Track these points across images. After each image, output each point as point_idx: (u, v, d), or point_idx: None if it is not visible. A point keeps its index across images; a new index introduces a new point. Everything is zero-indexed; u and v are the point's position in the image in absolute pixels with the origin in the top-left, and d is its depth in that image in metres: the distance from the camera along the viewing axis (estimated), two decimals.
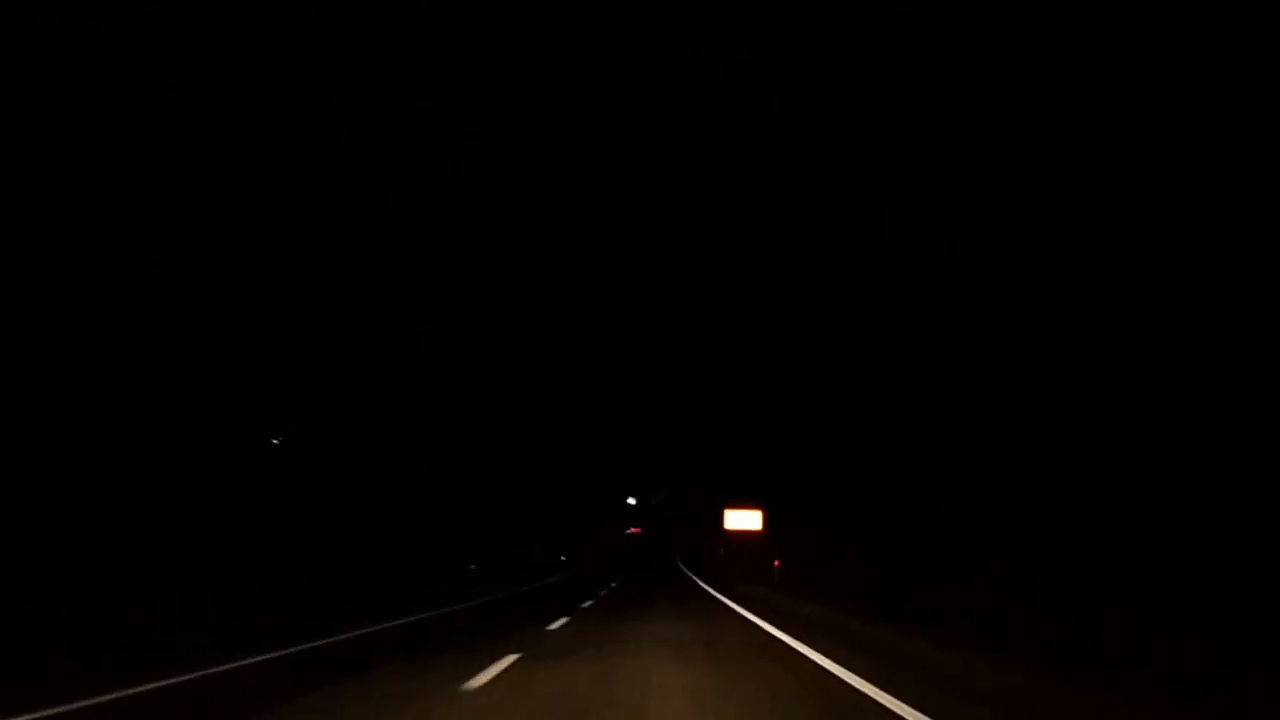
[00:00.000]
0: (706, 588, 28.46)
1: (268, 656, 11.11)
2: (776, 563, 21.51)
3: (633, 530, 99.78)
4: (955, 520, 16.82)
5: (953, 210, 18.32)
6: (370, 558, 29.91)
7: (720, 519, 40.62)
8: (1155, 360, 12.53)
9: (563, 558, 61.30)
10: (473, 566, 34.70)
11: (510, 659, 10.64)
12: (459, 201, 34.11)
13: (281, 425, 27.63)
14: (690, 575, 47.51)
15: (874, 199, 22.38)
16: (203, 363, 23.02)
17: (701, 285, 40.75)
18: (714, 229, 35.54)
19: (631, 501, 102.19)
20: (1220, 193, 11.70)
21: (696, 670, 9.90)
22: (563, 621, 16.79)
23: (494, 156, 33.53)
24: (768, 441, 38.61)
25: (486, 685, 8.73)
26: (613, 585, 34.32)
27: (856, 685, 8.69)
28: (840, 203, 24.59)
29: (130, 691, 8.30)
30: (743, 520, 38.92)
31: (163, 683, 8.85)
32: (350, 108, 26.46)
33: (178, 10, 20.35)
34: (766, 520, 38.32)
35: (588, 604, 22.86)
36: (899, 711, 7.37)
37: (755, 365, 38.28)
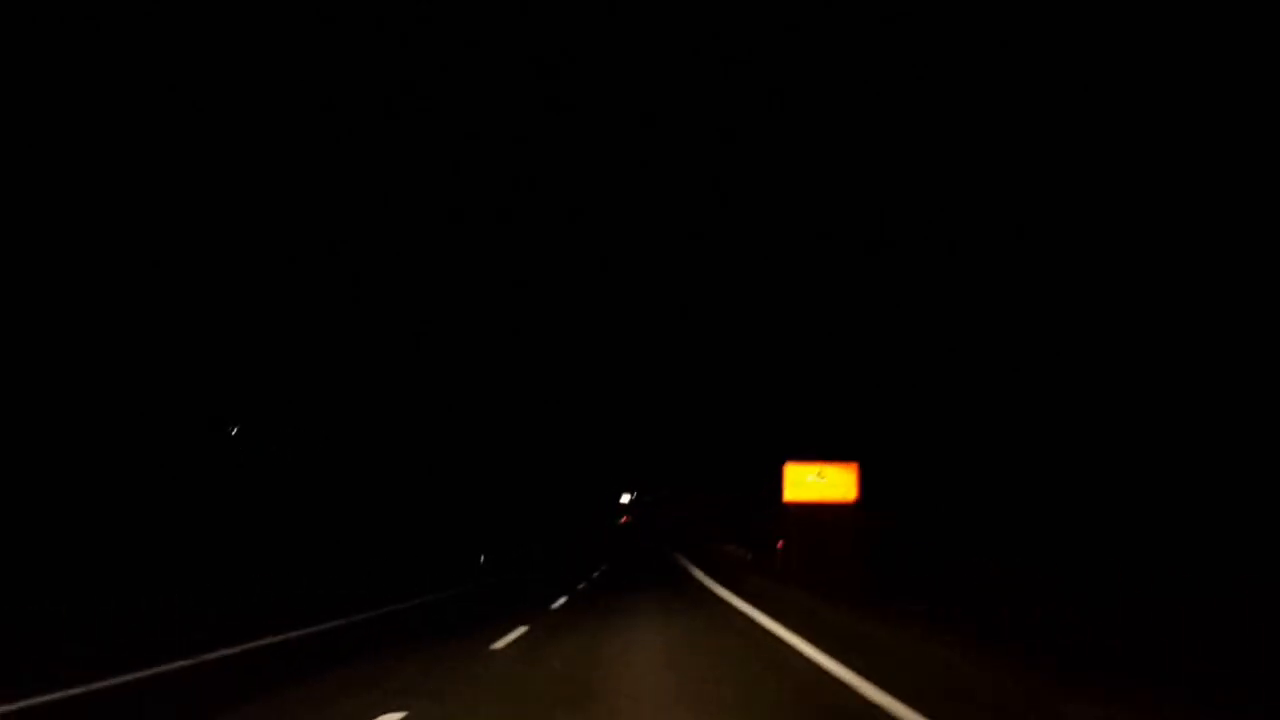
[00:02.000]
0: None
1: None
2: None
3: (623, 519, 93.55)
4: None
5: (953, 210, 18.35)
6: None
7: (775, 489, 23.18)
8: (1155, 360, 12.53)
9: (483, 558, 39.34)
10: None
11: None
12: (459, 201, 34.19)
13: (281, 425, 27.62)
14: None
15: (874, 199, 22.43)
16: (203, 363, 23.04)
17: (701, 285, 40.80)
18: (714, 229, 35.59)
19: (625, 500, 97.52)
20: (1219, 193, 11.70)
21: None
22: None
23: (494, 156, 33.62)
24: (764, 442, 38.66)
25: None
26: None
27: None
28: (840, 203, 24.64)
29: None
30: (819, 487, 22.20)
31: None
32: (350, 108, 26.51)
33: (178, 10, 20.38)
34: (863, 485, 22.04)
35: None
36: None
37: (755, 365, 38.33)
